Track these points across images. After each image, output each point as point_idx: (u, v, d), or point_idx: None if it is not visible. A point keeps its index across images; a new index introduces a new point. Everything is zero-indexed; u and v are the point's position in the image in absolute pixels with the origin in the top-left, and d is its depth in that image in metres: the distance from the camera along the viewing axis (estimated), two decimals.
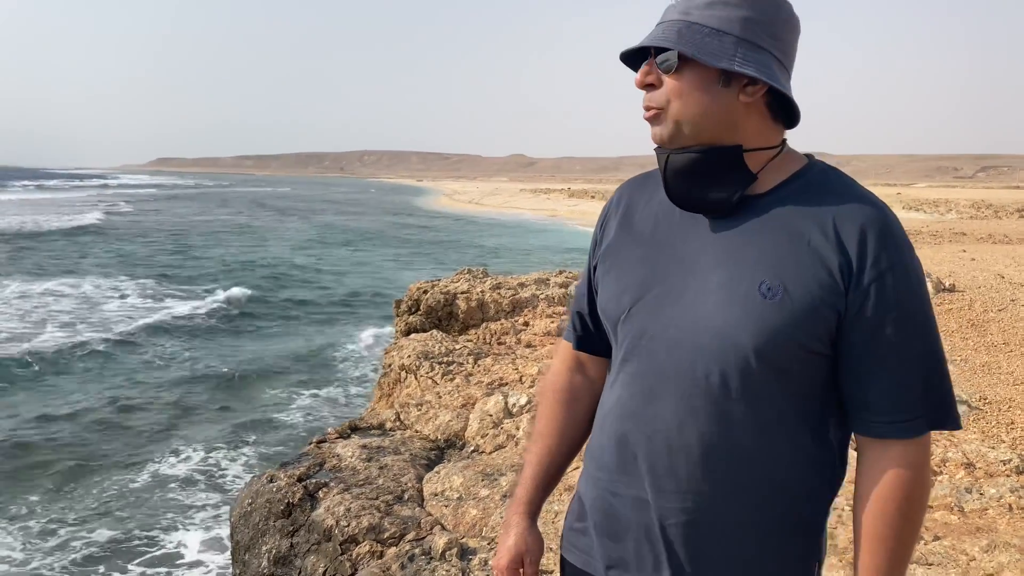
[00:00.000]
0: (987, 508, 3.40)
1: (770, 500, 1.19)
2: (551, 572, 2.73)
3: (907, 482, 1.14)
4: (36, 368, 11.89)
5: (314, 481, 3.93)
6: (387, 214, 55.27)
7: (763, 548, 1.20)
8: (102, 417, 9.79)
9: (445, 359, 6.37)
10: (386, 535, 3.47)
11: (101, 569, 6.19)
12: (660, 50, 1.19)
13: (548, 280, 9.36)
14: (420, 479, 4.08)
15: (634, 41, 1.23)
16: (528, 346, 7.06)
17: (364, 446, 4.40)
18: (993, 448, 4.01)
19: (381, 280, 22.05)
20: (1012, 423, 4.59)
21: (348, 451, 4.30)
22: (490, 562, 1.45)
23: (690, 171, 1.21)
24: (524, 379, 5.69)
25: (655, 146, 1.24)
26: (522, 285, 8.84)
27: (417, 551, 3.31)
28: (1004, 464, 3.78)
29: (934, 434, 1.17)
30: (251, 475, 7.82)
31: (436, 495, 3.88)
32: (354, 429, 4.88)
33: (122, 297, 18.26)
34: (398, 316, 8.57)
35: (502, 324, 7.71)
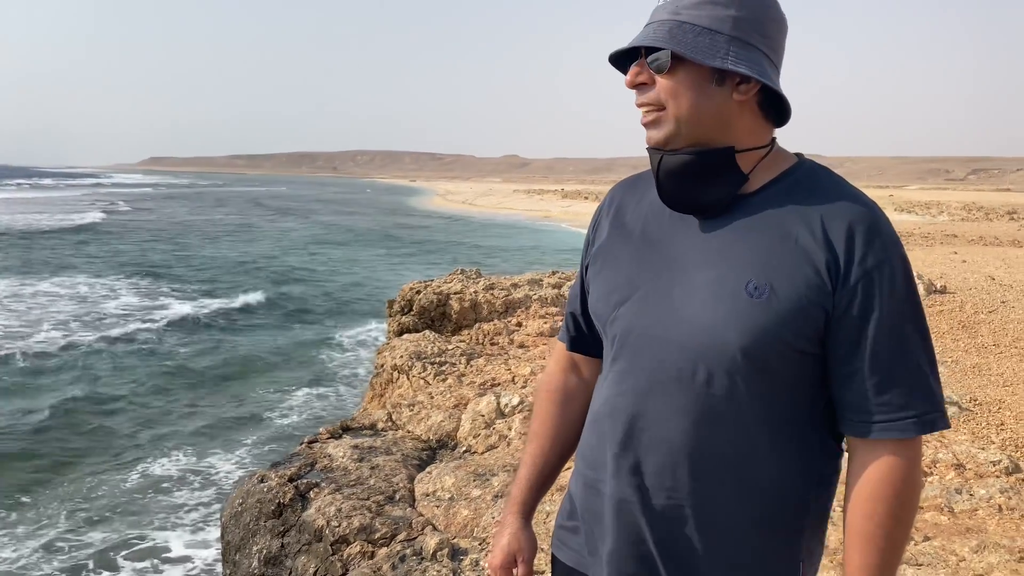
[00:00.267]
0: (977, 509, 3.41)
1: (757, 499, 1.19)
2: (543, 572, 2.73)
3: (897, 483, 1.14)
4: (28, 366, 11.86)
5: (305, 481, 3.92)
6: (384, 214, 55.30)
7: (750, 547, 1.20)
8: (93, 417, 9.77)
9: (438, 359, 6.37)
10: (377, 535, 3.46)
11: (90, 565, 6.18)
12: (650, 50, 1.18)
13: (541, 281, 9.36)
14: (412, 479, 4.07)
15: (625, 43, 1.22)
16: (521, 347, 7.06)
17: (356, 446, 4.39)
18: (983, 449, 4.03)
19: (374, 280, 22.04)
20: (1002, 424, 4.61)
21: (339, 451, 4.29)
22: (483, 562, 1.45)
23: (683, 172, 1.20)
24: (517, 380, 5.69)
25: (648, 147, 1.24)
26: (515, 286, 8.84)
27: (408, 551, 3.31)
28: (994, 465, 3.80)
29: (925, 434, 1.17)
30: (241, 474, 7.83)
31: (428, 495, 3.88)
32: (346, 429, 4.87)
33: (118, 297, 18.26)
34: (391, 316, 8.56)
35: (495, 325, 7.71)
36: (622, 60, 1.24)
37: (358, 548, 3.42)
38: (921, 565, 2.94)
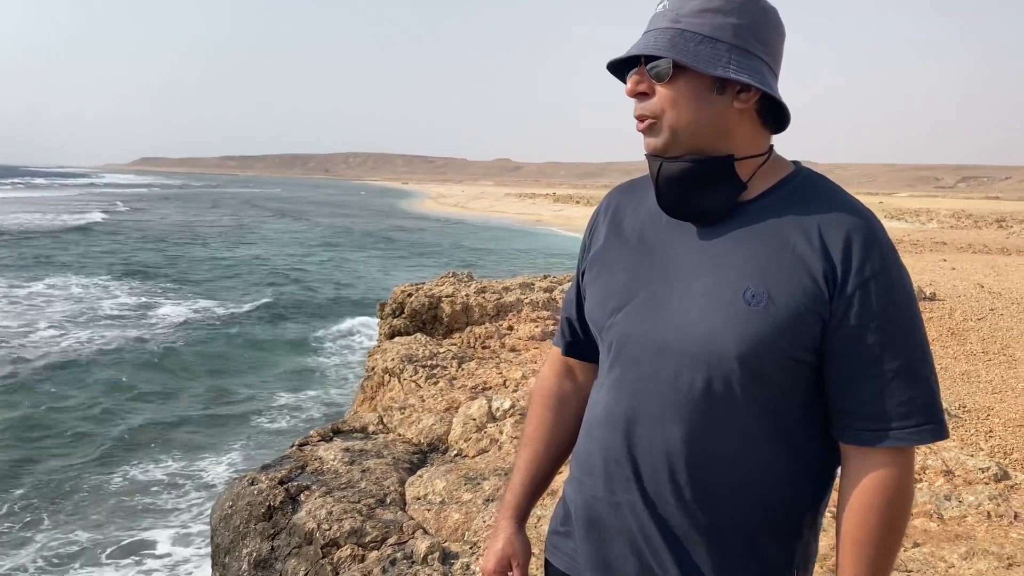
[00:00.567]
0: (966, 515, 3.43)
1: (754, 506, 1.19)
2: None
3: (890, 491, 1.14)
4: (21, 366, 11.83)
5: (296, 484, 3.90)
6: (379, 216, 55.38)
7: (746, 553, 1.20)
8: (82, 417, 9.74)
9: (429, 362, 6.36)
10: (368, 539, 3.45)
11: (76, 565, 6.18)
12: (650, 58, 1.18)
13: (533, 284, 9.36)
14: (403, 483, 4.06)
15: (621, 49, 1.22)
16: (512, 350, 7.05)
17: (346, 449, 4.38)
18: (972, 456, 4.05)
19: (366, 281, 22.03)
20: (991, 431, 4.64)
21: (330, 454, 4.28)
22: (474, 566, 1.45)
23: (683, 180, 1.20)
24: (508, 383, 5.69)
25: (647, 153, 1.24)
26: (507, 289, 8.84)
27: (399, 555, 3.30)
28: (983, 472, 3.81)
29: None
30: (231, 476, 7.82)
31: (419, 499, 3.87)
32: (336, 432, 4.86)
33: (114, 297, 18.30)
34: (382, 319, 8.55)
35: (486, 328, 7.70)
36: (621, 67, 1.24)
37: (348, 551, 3.41)
38: (911, 571, 2.95)
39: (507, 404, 4.92)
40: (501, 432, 4.65)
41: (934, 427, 1.15)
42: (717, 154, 1.20)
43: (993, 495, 3.54)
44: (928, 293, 9.19)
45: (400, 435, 4.85)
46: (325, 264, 26.52)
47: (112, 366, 12.20)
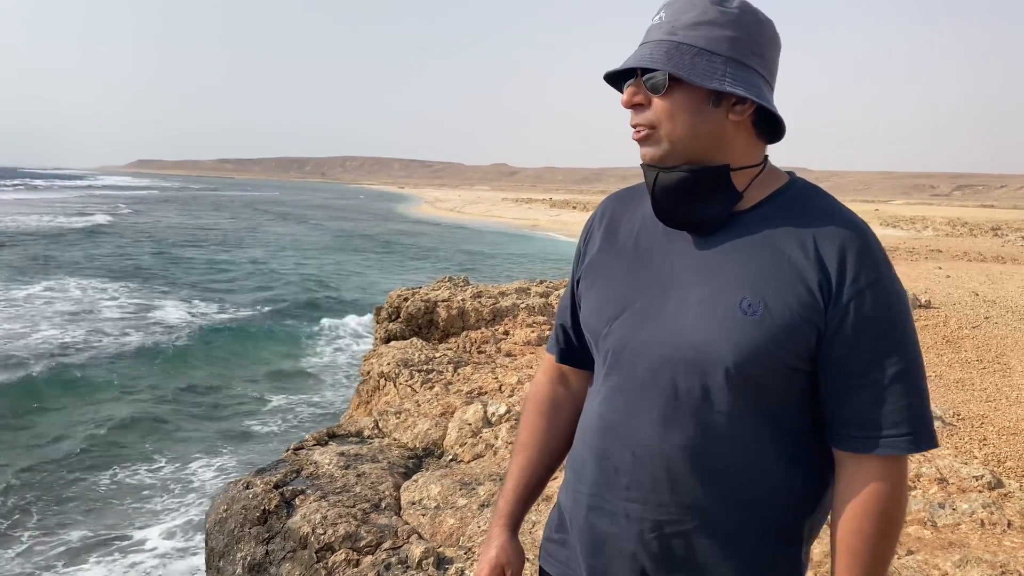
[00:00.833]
0: (959, 523, 3.44)
1: (750, 514, 1.20)
2: None
3: (883, 498, 1.15)
4: (18, 367, 11.84)
5: (291, 488, 3.90)
6: (378, 220, 55.51)
7: (742, 561, 1.21)
8: (78, 418, 9.76)
9: (425, 367, 6.36)
10: (363, 543, 3.45)
11: (59, 566, 6.21)
12: (647, 69, 1.19)
13: (529, 290, 9.37)
14: (398, 487, 4.06)
15: (618, 58, 1.24)
16: (508, 355, 7.06)
17: (342, 453, 4.38)
18: (966, 464, 4.06)
19: (364, 285, 22.04)
20: (984, 439, 4.65)
21: (325, 458, 4.28)
22: (468, 572, 1.45)
23: (678, 189, 1.21)
24: (504, 388, 5.69)
25: (643, 163, 1.25)
26: (503, 294, 8.85)
27: (394, 560, 3.30)
28: (976, 480, 3.82)
29: None
30: (222, 479, 7.83)
31: (414, 504, 3.87)
32: (332, 436, 4.85)
33: (115, 299, 18.38)
34: (378, 323, 8.55)
35: (482, 333, 7.71)
36: (618, 77, 1.25)
37: (343, 556, 3.40)
38: None
39: (503, 409, 4.92)
40: (496, 437, 4.65)
41: (925, 436, 1.16)
42: (713, 164, 1.21)
43: (987, 503, 3.55)
44: (923, 301, 9.22)
45: (395, 439, 4.85)
46: (324, 267, 26.57)
47: (108, 367, 12.21)
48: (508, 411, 4.91)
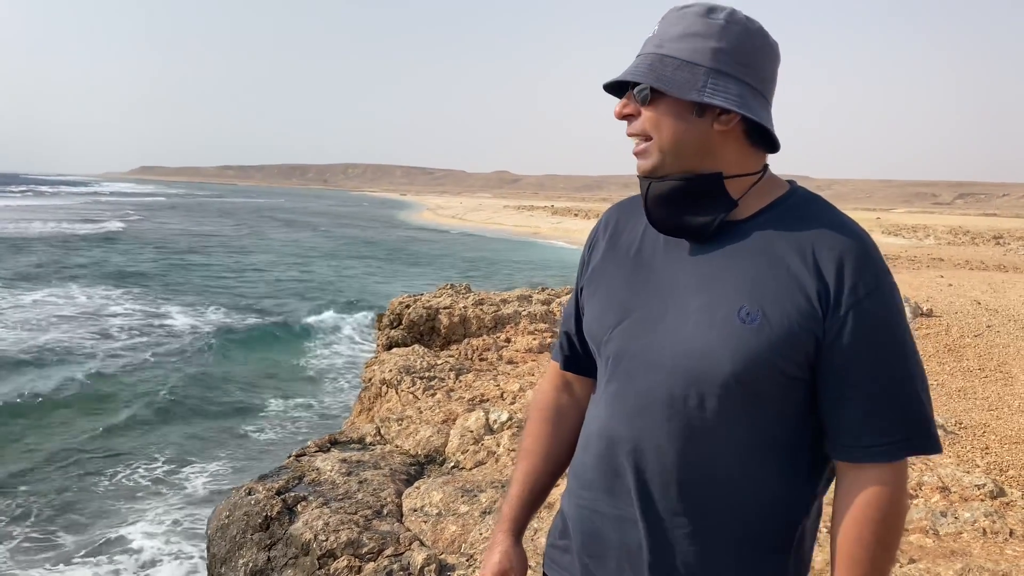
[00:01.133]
0: (962, 532, 3.44)
1: (749, 521, 1.21)
2: None
3: (883, 507, 1.15)
4: (23, 370, 12.01)
5: (293, 494, 3.90)
6: (381, 227, 55.68)
7: (742, 568, 1.22)
8: (79, 422, 9.83)
9: (427, 374, 6.37)
10: (364, 550, 3.45)
11: (50, 563, 6.30)
12: (638, 81, 1.22)
13: (530, 297, 9.39)
14: (399, 494, 4.06)
15: (619, 65, 1.27)
16: (510, 362, 7.06)
17: (344, 460, 4.39)
18: (968, 473, 4.06)
19: (365, 291, 22.08)
20: (987, 448, 4.65)
21: (328, 465, 4.28)
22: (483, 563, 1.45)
23: (671, 198, 1.23)
24: (505, 396, 5.69)
25: (638, 174, 1.27)
26: (504, 301, 8.86)
27: (395, 567, 3.30)
28: (979, 489, 3.82)
29: (912, 457, 1.19)
30: (218, 483, 7.87)
31: (415, 511, 3.87)
32: (334, 443, 4.86)
33: (120, 304, 18.52)
34: (380, 330, 8.56)
35: (484, 340, 7.72)
36: (618, 87, 1.28)
37: (345, 563, 3.41)
38: None
39: (504, 416, 4.92)
40: (498, 444, 4.65)
41: (926, 443, 1.16)
42: (705, 173, 1.22)
43: (989, 512, 3.55)
44: (925, 309, 9.21)
45: (397, 446, 4.86)
46: (327, 273, 26.74)
47: (113, 370, 12.33)
48: (510, 418, 4.91)
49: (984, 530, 3.43)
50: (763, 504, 1.20)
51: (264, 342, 15.15)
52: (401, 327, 8.23)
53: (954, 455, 4.51)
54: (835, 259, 1.15)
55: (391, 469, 4.36)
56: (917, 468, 4.11)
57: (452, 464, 4.63)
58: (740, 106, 1.17)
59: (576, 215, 58.84)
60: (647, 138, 1.23)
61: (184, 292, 20.91)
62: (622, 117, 1.25)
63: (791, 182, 1.29)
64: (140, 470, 8.37)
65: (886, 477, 1.16)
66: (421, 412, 5.37)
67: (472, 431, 4.81)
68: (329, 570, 3.41)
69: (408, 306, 8.41)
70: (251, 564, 3.63)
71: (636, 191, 1.41)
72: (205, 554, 5.87)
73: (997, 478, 4.09)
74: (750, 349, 1.14)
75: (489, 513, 3.69)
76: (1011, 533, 3.41)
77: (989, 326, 8.62)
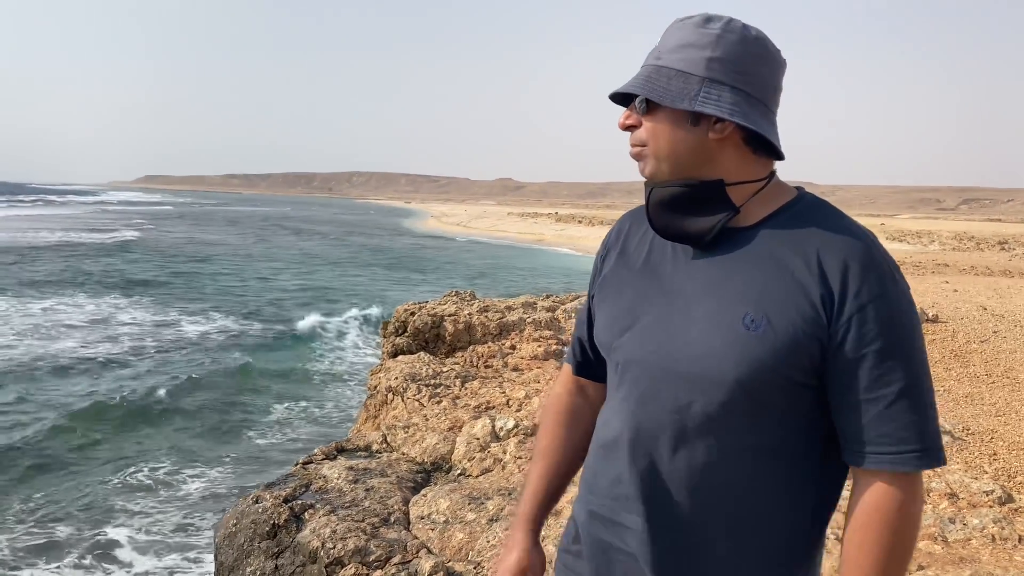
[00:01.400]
0: (970, 538, 3.42)
1: (756, 530, 1.21)
2: None
3: (889, 514, 1.14)
4: (29, 374, 12.21)
5: (300, 502, 3.91)
6: (387, 235, 55.97)
7: (751, 575, 1.22)
8: (82, 426, 9.93)
9: (432, 381, 6.37)
10: (372, 558, 3.46)
11: (43, 561, 6.41)
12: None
13: (535, 304, 9.39)
14: (406, 502, 4.07)
15: (623, 73, 1.30)
16: (515, 370, 7.06)
17: (351, 468, 4.39)
18: (976, 479, 4.05)
19: (372, 298, 22.15)
20: (995, 454, 4.64)
21: (334, 472, 4.28)
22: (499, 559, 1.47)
23: (672, 203, 1.24)
24: (511, 403, 5.69)
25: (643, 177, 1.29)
26: (509, 308, 8.86)
27: (403, 575, 3.30)
28: (987, 495, 3.81)
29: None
30: (222, 488, 7.92)
31: (422, 518, 3.87)
32: (340, 450, 4.87)
33: (130, 312, 18.70)
34: (385, 338, 8.57)
35: (489, 347, 7.72)
36: (623, 98, 1.30)
37: (352, 571, 3.41)
38: None
39: (510, 424, 4.92)
40: (504, 452, 4.65)
41: (932, 453, 1.15)
42: (706, 180, 1.23)
43: (997, 518, 3.54)
44: (931, 315, 9.20)
45: (404, 454, 4.86)
46: (334, 281, 26.89)
47: (116, 377, 12.44)
48: (516, 425, 4.91)
49: (993, 536, 3.42)
50: (771, 512, 1.20)
51: (270, 348, 15.28)
52: (406, 334, 8.23)
53: (962, 461, 4.50)
54: (839, 264, 1.15)
55: (398, 477, 4.36)
56: (925, 474, 4.09)
57: (458, 471, 4.63)
58: (733, 114, 1.18)
59: (580, 222, 58.89)
60: (645, 146, 1.25)
61: (194, 299, 21.11)
62: (625, 128, 1.27)
63: (799, 188, 1.29)
64: (141, 474, 8.44)
65: (894, 484, 1.15)
66: (427, 419, 5.37)
67: (478, 438, 4.81)
68: None
69: (413, 313, 8.41)
70: (259, 572, 3.63)
71: (640, 198, 1.42)
72: (204, 557, 5.93)
73: (1005, 484, 4.08)
74: (754, 356, 1.14)
75: (496, 521, 3.69)
76: (1020, 539, 3.39)
77: (995, 331, 8.60)
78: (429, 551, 3.53)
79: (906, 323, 1.15)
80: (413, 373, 6.55)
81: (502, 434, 4.86)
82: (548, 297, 10.34)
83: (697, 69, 1.19)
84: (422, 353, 7.50)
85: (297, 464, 4.56)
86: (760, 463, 1.19)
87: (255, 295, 22.51)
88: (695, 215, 1.23)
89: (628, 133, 1.28)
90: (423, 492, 4.21)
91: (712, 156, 1.22)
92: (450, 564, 3.40)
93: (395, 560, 3.43)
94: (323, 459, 4.62)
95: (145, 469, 8.53)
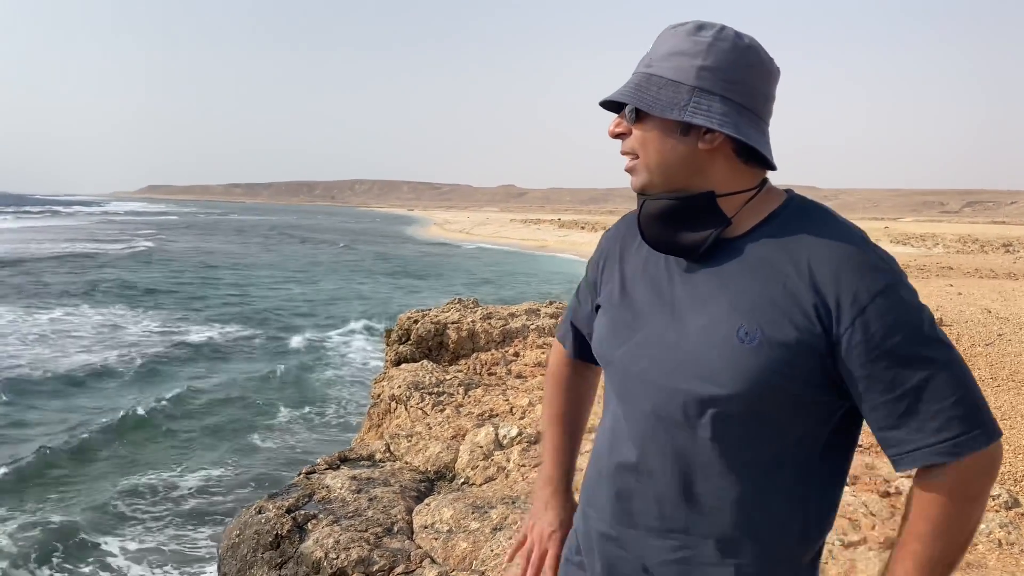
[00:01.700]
0: (977, 544, 3.41)
1: (755, 542, 1.20)
2: None
3: (944, 504, 1.11)
4: (34, 379, 12.40)
5: (303, 512, 3.90)
6: (394, 243, 56.26)
7: None
8: (82, 434, 9.97)
9: (435, 389, 6.36)
10: (375, 568, 3.44)
11: (34, 558, 6.52)
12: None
13: (538, 311, 9.37)
14: (410, 511, 4.05)
15: (620, 80, 1.27)
16: (519, 377, 7.05)
17: (354, 477, 4.38)
18: None
19: (375, 306, 22.19)
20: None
21: (337, 482, 4.27)
22: (522, 530, 1.55)
23: (663, 216, 1.23)
24: (515, 410, 5.68)
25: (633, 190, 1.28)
26: (512, 315, 8.85)
27: None
28: (993, 500, 3.79)
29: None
30: (223, 495, 7.93)
31: (426, 527, 3.86)
32: (343, 460, 4.85)
33: (138, 322, 18.83)
34: (388, 346, 8.55)
35: (492, 354, 7.71)
36: (616, 106, 1.28)
37: None
38: None
39: (514, 431, 4.91)
40: (508, 460, 4.64)
41: (979, 432, 1.10)
42: (696, 191, 1.21)
43: (1004, 523, 3.52)
44: (935, 318, 9.18)
45: (407, 463, 4.85)
46: (339, 288, 27.07)
47: (121, 384, 12.61)
48: (520, 433, 4.90)
49: (1000, 541, 3.40)
50: (771, 525, 1.20)
51: (274, 356, 15.35)
52: (409, 342, 8.22)
53: None
54: (831, 271, 1.12)
55: (401, 486, 4.35)
56: None
57: (462, 480, 4.61)
58: (723, 125, 1.16)
59: (583, 228, 58.90)
60: (636, 156, 1.23)
61: (202, 308, 21.31)
62: (615, 136, 1.25)
63: (788, 191, 1.26)
64: (142, 483, 8.48)
65: (947, 475, 1.10)
66: (430, 428, 5.36)
67: (482, 447, 4.79)
68: None
69: (416, 321, 8.40)
70: None
71: None
72: (206, 568, 5.94)
73: (1011, 488, 4.06)
74: (750, 369, 1.13)
75: (500, 529, 3.68)
76: None
77: (1000, 335, 8.57)
78: (433, 561, 3.52)
79: (913, 313, 1.12)
80: (416, 381, 6.54)
81: (506, 442, 4.85)
82: (551, 303, 10.32)
83: (687, 78, 1.17)
84: (425, 361, 7.49)
85: (300, 474, 4.55)
86: (760, 475, 1.18)
87: (262, 303, 22.65)
88: (687, 228, 1.21)
89: (619, 140, 1.27)
90: (426, 501, 4.19)
91: (702, 167, 1.20)
92: (454, 574, 3.39)
93: (398, 570, 3.42)
94: (326, 469, 4.61)
95: (146, 478, 8.58)
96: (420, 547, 3.65)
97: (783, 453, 1.18)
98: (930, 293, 12.53)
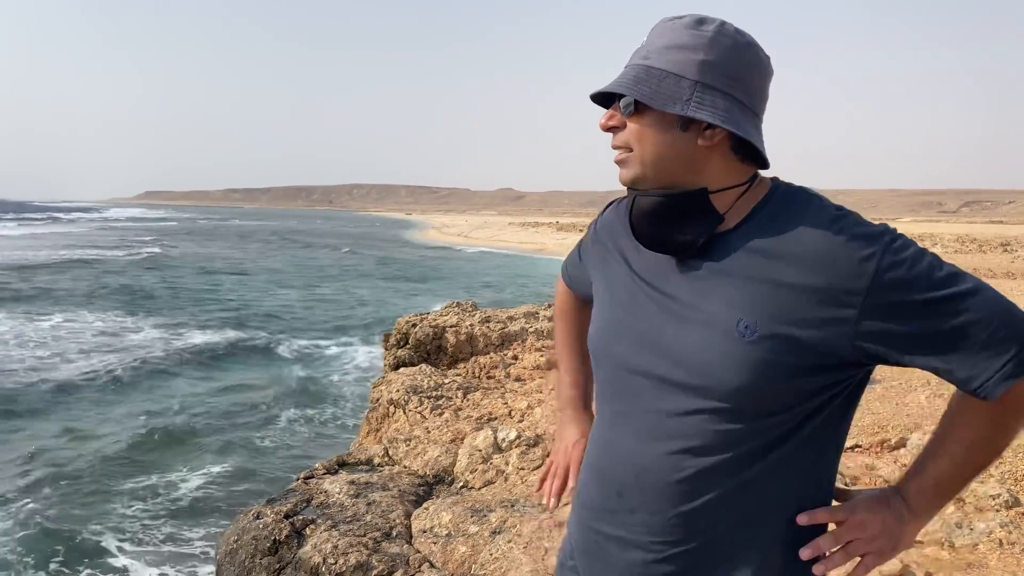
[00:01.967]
0: (977, 543, 3.39)
1: (753, 538, 1.19)
2: None
3: (992, 420, 1.14)
4: (37, 383, 12.47)
5: (301, 518, 3.88)
6: (392, 247, 56.40)
7: None
8: (83, 437, 10.03)
9: (434, 393, 6.35)
10: (374, 573, 3.43)
11: (32, 557, 6.57)
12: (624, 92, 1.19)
13: (537, 314, 9.37)
14: (408, 515, 4.04)
15: (601, 85, 1.23)
16: (518, 380, 7.04)
17: (352, 482, 4.36)
18: (982, 483, 4.01)
19: (373, 310, 22.19)
20: (1001, 458, 4.60)
21: (336, 487, 4.26)
22: (555, 446, 1.62)
23: (655, 214, 1.21)
24: (513, 413, 5.67)
25: (624, 184, 1.25)
26: (511, 319, 8.84)
27: None
28: (993, 499, 3.78)
29: None
30: (221, 497, 7.95)
31: (425, 532, 3.85)
32: (342, 464, 4.84)
33: (140, 330, 18.83)
34: (387, 350, 8.55)
35: (491, 358, 7.70)
36: (606, 98, 1.25)
37: None
38: None
39: (512, 435, 4.90)
40: (507, 463, 4.62)
41: None
42: (689, 188, 1.19)
43: (1004, 522, 3.50)
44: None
45: (406, 467, 4.83)
46: (338, 293, 27.08)
47: (123, 387, 12.71)
48: (518, 436, 4.89)
49: (1000, 541, 3.38)
50: (770, 520, 1.19)
51: (273, 361, 15.36)
52: (408, 346, 8.22)
53: None
54: (825, 255, 1.10)
55: (400, 490, 4.34)
56: None
57: (461, 484, 4.60)
58: (726, 121, 1.14)
59: (581, 231, 58.88)
60: (629, 149, 1.20)
61: (205, 312, 21.35)
62: (607, 129, 1.22)
63: (773, 179, 1.24)
64: (141, 486, 8.49)
65: (1010, 399, 1.11)
66: (429, 432, 5.35)
67: (480, 450, 4.78)
68: None
69: (415, 325, 8.40)
70: None
71: None
72: (199, 569, 5.94)
73: (1012, 488, 4.05)
74: (751, 362, 1.12)
75: (499, 533, 3.66)
76: None
77: None
78: (432, 565, 3.50)
79: (915, 264, 1.09)
80: (415, 385, 6.53)
81: (504, 445, 4.84)
82: (550, 306, 10.31)
83: (689, 72, 1.15)
84: (424, 365, 7.49)
85: (298, 479, 4.54)
86: (761, 472, 1.17)
87: (262, 308, 22.64)
88: (679, 226, 1.19)
89: (611, 134, 1.24)
90: (425, 505, 4.18)
91: (698, 163, 1.18)
92: None
93: (397, 575, 3.41)
94: (324, 473, 4.59)
95: (147, 480, 8.61)
96: (419, 551, 3.64)
97: (785, 450, 1.17)
98: None
